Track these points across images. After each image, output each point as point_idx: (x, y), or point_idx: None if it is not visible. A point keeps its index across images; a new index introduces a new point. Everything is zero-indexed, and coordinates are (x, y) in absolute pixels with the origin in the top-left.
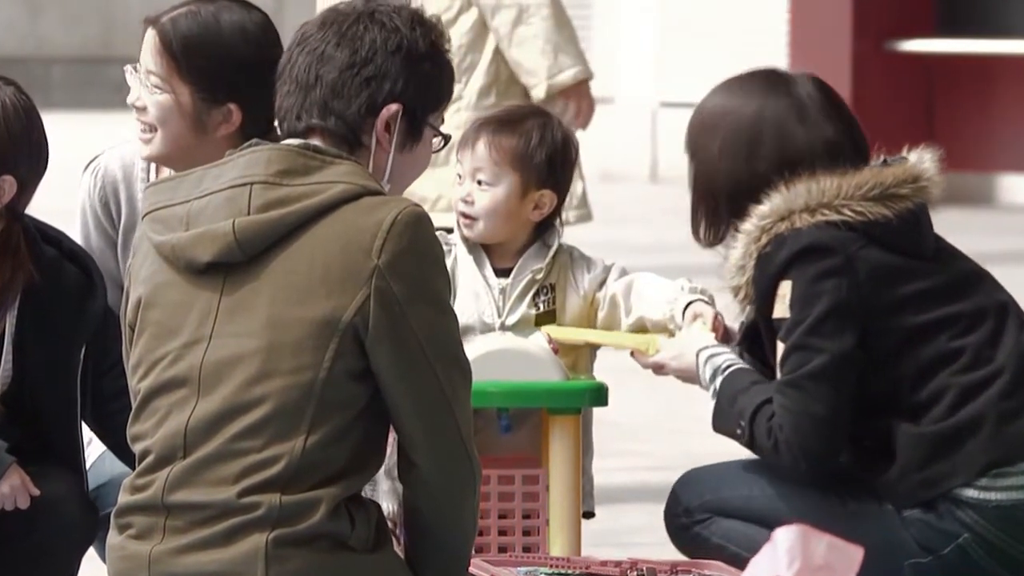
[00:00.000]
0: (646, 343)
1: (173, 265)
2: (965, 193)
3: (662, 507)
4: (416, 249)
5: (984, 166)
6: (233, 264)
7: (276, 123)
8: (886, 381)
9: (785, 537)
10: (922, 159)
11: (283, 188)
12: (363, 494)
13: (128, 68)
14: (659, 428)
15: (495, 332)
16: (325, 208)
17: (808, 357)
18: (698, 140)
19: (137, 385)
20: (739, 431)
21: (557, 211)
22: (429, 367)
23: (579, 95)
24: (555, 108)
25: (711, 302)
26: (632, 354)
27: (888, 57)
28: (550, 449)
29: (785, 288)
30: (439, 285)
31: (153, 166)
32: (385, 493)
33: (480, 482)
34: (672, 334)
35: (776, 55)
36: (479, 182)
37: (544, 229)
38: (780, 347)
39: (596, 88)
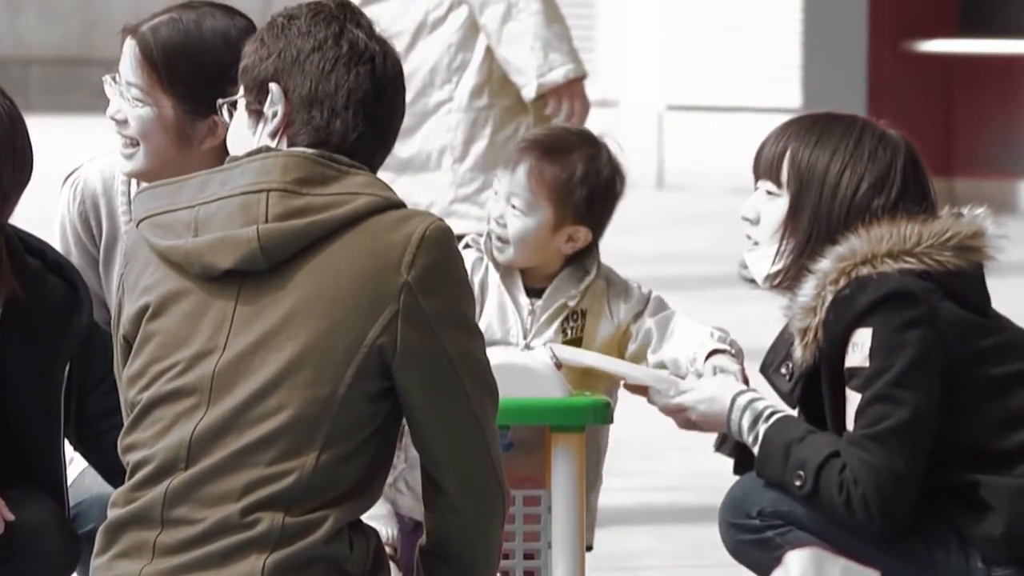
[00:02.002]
0: (666, 384)
1: (184, 272)
2: (986, 200)
3: (670, 529)
4: (446, 265)
5: (1007, 172)
6: (250, 272)
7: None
8: (965, 433)
9: (798, 560)
10: (983, 216)
11: (303, 197)
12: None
13: (107, 79)
14: (666, 446)
15: (496, 348)
16: (352, 219)
17: (891, 410)
18: (805, 178)
19: (136, 396)
20: (798, 483)
21: (594, 243)
22: (462, 389)
23: (572, 95)
24: (547, 108)
25: (738, 356)
26: (647, 393)
27: (906, 58)
28: (552, 469)
29: (863, 336)
30: (468, 304)
31: (134, 180)
32: (383, 517)
33: (507, 509)
34: (681, 376)
35: (789, 56)
36: (513, 206)
37: (582, 251)
38: (851, 396)
39: (600, 91)
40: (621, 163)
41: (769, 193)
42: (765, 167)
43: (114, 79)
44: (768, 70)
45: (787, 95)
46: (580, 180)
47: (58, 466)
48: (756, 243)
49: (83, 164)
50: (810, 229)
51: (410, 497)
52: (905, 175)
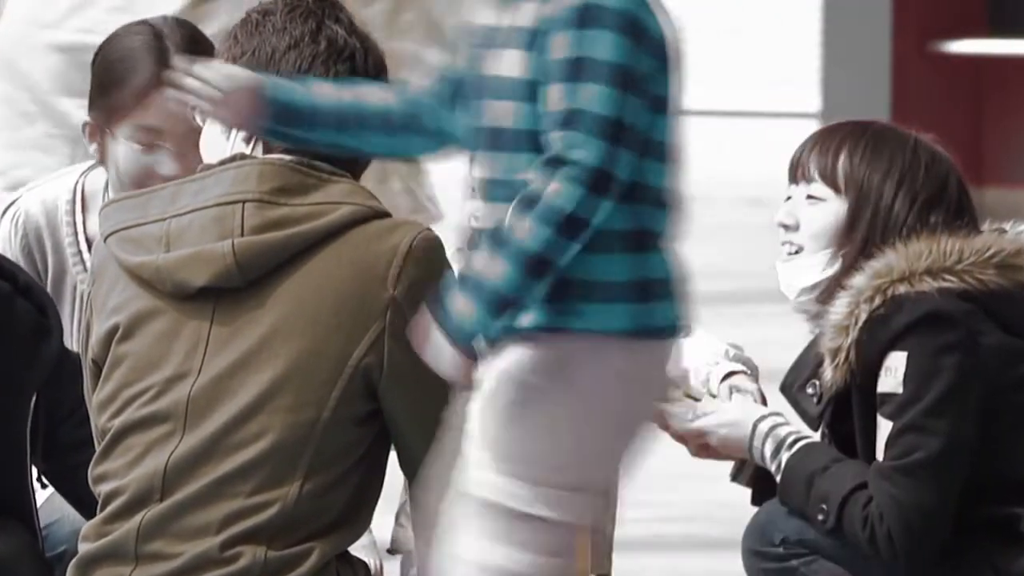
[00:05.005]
0: (683, 407)
1: (155, 290)
2: (1019, 211)
3: (682, 562)
4: (435, 278)
5: None
6: (225, 289)
7: None
8: (1004, 463)
9: None
10: None
11: (281, 207)
12: None
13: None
14: (677, 474)
15: None
16: (333, 231)
17: (922, 441)
18: (863, 188)
19: (107, 423)
20: (820, 517)
21: None
22: (451, 409)
23: None
24: None
25: (754, 375)
26: (656, 413)
27: (933, 59)
28: None
29: (896, 360)
30: None
31: (79, 206)
32: (366, 548)
33: None
34: (695, 399)
35: (807, 56)
36: None
37: None
38: (883, 424)
39: None
40: None
41: (811, 198)
42: (815, 171)
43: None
44: (786, 72)
45: (805, 99)
46: None
47: (27, 499)
48: (797, 250)
49: (22, 194)
50: (863, 243)
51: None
52: (959, 193)
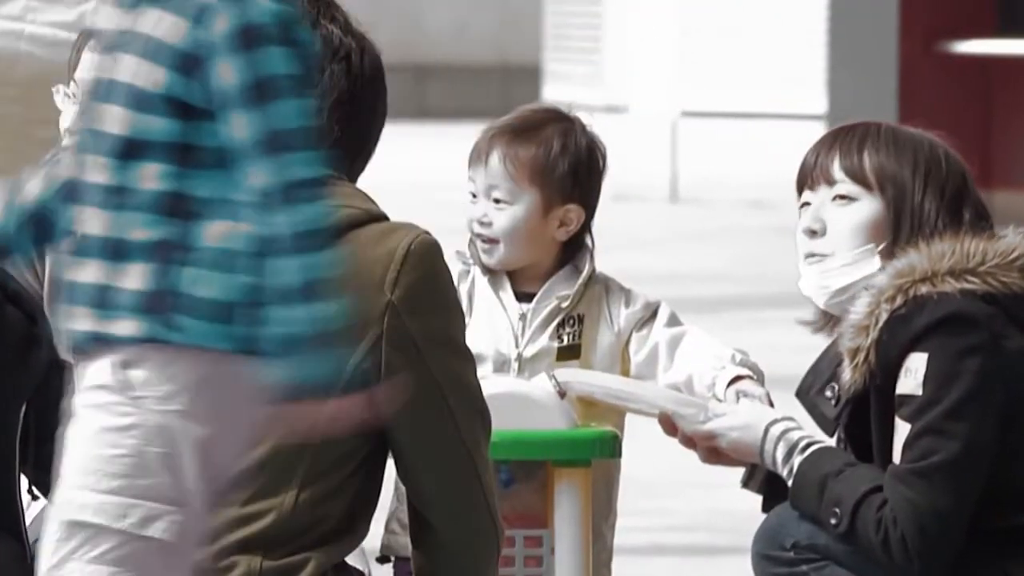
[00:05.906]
0: (694, 408)
1: None
2: None
3: (685, 571)
4: (433, 282)
5: None
6: None
7: None
8: (1021, 469)
9: None
10: None
11: None
12: None
13: (59, 90)
14: (679, 482)
15: (493, 376)
16: None
17: (941, 444)
18: (896, 185)
19: None
20: (833, 521)
21: (586, 228)
22: (450, 417)
23: None
24: None
25: (760, 379)
26: (664, 418)
27: (940, 59)
28: (555, 507)
29: (916, 361)
30: (457, 324)
31: None
32: (352, 555)
33: (502, 546)
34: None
35: (813, 57)
36: (495, 200)
37: (574, 251)
38: (900, 426)
39: (607, 96)
40: (596, 135)
41: (841, 198)
42: (841, 171)
43: (72, 93)
44: (791, 73)
45: (811, 100)
46: (559, 154)
47: (15, 511)
48: (823, 256)
49: None
50: (905, 236)
51: (404, 536)
52: (975, 190)
